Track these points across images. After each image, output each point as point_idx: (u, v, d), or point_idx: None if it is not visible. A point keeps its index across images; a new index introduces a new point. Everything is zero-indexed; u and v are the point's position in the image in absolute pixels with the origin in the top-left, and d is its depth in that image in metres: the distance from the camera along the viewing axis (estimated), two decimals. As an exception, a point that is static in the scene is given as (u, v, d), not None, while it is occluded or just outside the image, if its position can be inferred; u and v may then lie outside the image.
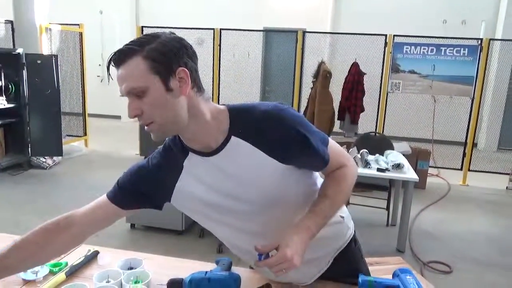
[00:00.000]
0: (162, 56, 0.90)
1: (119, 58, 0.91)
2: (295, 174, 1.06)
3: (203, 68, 7.28)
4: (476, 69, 5.41)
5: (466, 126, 5.68)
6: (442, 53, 5.49)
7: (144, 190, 1.10)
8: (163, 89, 0.91)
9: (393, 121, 6.24)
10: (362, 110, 5.70)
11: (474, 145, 6.45)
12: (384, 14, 7.71)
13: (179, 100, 0.93)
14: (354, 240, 1.30)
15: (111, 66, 0.92)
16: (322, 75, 5.42)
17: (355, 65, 5.65)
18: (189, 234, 3.56)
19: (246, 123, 1.00)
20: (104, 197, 1.13)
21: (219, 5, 8.34)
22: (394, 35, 5.60)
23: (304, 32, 6.13)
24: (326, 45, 8.08)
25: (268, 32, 8.37)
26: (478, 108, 5.55)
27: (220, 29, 6.07)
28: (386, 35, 5.65)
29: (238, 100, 8.00)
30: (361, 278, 1.28)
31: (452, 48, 5.48)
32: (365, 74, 5.64)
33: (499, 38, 7.33)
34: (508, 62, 7.52)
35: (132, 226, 3.65)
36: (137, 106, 0.92)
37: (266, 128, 0.99)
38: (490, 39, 5.55)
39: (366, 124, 5.91)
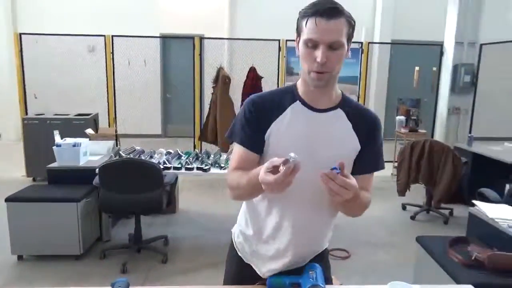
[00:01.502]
0: (351, 26, 1.17)
1: (335, 12, 1.11)
2: (353, 159, 1.28)
3: (96, 76, 6.93)
4: (359, 70, 5.99)
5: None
6: (330, 56, 5.95)
7: (261, 122, 1.24)
8: (346, 48, 1.17)
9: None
10: (262, 112, 5.89)
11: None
12: (277, 19, 8.09)
13: (343, 61, 1.19)
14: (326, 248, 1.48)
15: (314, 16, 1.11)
16: (222, 81, 5.50)
17: (252, 70, 5.82)
18: (89, 257, 3.30)
19: (353, 106, 1.29)
20: (241, 150, 1.26)
21: (111, 10, 7.92)
22: (286, 40, 5.91)
23: (202, 38, 6.14)
24: (224, 51, 8.21)
25: (165, 38, 8.21)
26: (364, 104, 6.13)
27: (112, 36, 5.77)
28: (279, 40, 5.94)
29: (137, 109, 7.71)
30: (269, 279, 1.33)
31: (337, 51, 5.97)
32: (262, 78, 5.85)
33: (377, 41, 8.21)
34: (386, 63, 8.47)
35: (20, 257, 3.23)
36: (328, 55, 1.12)
37: (366, 118, 1.29)
38: (369, 43, 6.19)
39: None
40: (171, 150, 3.95)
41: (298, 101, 1.25)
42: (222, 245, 3.52)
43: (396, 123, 6.08)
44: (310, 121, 1.24)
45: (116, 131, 5.46)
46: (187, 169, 3.50)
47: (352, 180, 1.08)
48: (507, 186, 4.18)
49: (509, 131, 6.74)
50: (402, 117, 6.02)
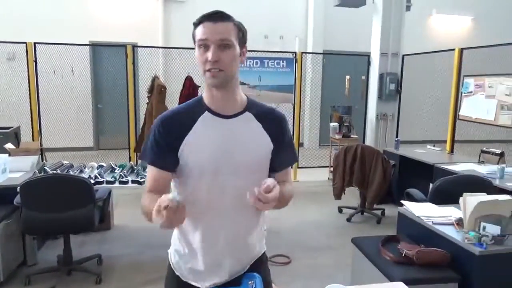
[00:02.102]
0: (241, 31, 1.27)
1: (220, 16, 1.21)
2: (269, 158, 1.34)
3: (17, 86, 6.41)
4: (294, 79, 6.16)
5: (292, 128, 6.38)
6: (266, 65, 6.07)
7: (171, 140, 1.26)
8: (238, 51, 1.24)
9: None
10: (200, 122, 5.83)
11: (300, 144, 7.33)
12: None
13: (238, 64, 1.26)
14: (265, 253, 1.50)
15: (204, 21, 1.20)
16: (157, 90, 5.35)
17: (189, 79, 5.74)
18: (11, 285, 3.00)
19: (260, 108, 1.35)
20: (154, 170, 1.28)
21: (36, 17, 7.37)
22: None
23: (134, 46, 5.94)
24: (159, 60, 8.02)
25: (95, 47, 7.83)
26: (299, 112, 6.32)
27: (34, 43, 5.37)
28: (215, 49, 5.92)
29: (65, 121, 7.25)
30: None
31: (273, 61, 6.11)
32: (199, 87, 5.79)
33: (310, 51, 8.53)
34: (319, 72, 8.83)
35: None
36: (218, 55, 1.19)
37: (272, 117, 1.36)
38: (302, 52, 6.40)
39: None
40: (103, 164, 3.74)
41: (206, 111, 1.29)
42: (162, 261, 3.38)
43: (330, 130, 6.33)
44: (222, 128, 1.28)
45: (41, 145, 5.06)
46: (121, 182, 3.33)
47: (272, 192, 1.13)
48: (431, 186, 4.52)
49: (430, 135, 7.32)
50: (336, 124, 6.29)
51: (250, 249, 1.38)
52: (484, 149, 4.31)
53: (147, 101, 5.53)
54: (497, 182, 3.39)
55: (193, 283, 1.36)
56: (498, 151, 4.14)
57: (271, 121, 1.34)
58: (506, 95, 4.28)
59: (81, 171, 3.56)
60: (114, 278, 3.15)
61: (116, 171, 3.60)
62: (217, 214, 1.29)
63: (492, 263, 2.09)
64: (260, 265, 1.41)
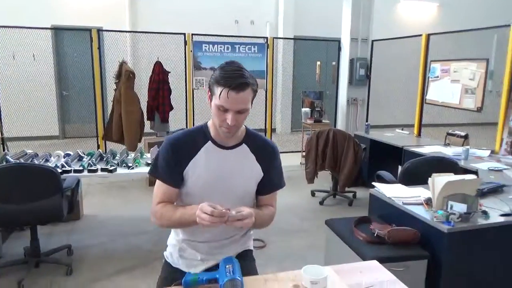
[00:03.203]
0: (255, 92, 1.42)
1: (243, 85, 1.34)
2: (257, 185, 1.56)
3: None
4: (265, 64, 6.13)
5: (264, 114, 6.37)
6: (237, 51, 5.99)
7: (179, 160, 1.47)
8: (250, 107, 1.42)
9: (202, 116, 6.46)
10: (171, 108, 5.72)
11: (273, 130, 7.34)
12: (182, 13, 7.90)
13: None
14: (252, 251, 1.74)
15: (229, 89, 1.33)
16: (125, 76, 5.18)
17: (158, 64, 5.60)
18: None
19: (255, 140, 1.55)
20: (164, 186, 1.49)
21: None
22: (192, 34, 5.79)
23: (99, 30, 5.71)
24: (127, 45, 7.77)
25: (58, 31, 7.48)
26: (272, 98, 6.31)
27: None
28: (185, 34, 5.79)
29: (28, 108, 6.92)
30: (186, 275, 1.29)
31: (244, 46, 6.04)
32: (169, 72, 5.66)
33: (281, 36, 8.50)
34: (290, 58, 8.83)
35: None
36: (236, 118, 1.37)
37: (265, 149, 1.56)
38: (274, 38, 6.36)
39: (176, 121, 5.97)
40: (70, 152, 3.60)
41: (210, 141, 1.49)
42: (134, 250, 3.38)
43: (302, 115, 6.38)
44: (221, 158, 1.49)
45: (2, 134, 4.82)
46: (90, 171, 3.23)
47: (246, 218, 1.33)
48: (400, 168, 4.65)
49: (399, 119, 7.51)
50: (307, 109, 6.33)
51: (233, 247, 1.60)
52: (450, 131, 4.47)
53: (115, 87, 5.36)
54: (462, 163, 3.52)
55: (183, 269, 1.57)
56: (463, 134, 4.30)
57: (264, 153, 1.55)
58: (470, 79, 4.43)
59: (47, 160, 3.41)
60: (85, 268, 3.07)
61: (84, 159, 3.48)
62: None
63: (459, 240, 2.17)
64: (245, 257, 1.57)
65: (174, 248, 1.61)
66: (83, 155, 3.58)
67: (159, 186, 1.51)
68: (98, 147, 5.64)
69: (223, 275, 1.23)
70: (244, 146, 1.52)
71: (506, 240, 2.30)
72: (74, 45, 7.61)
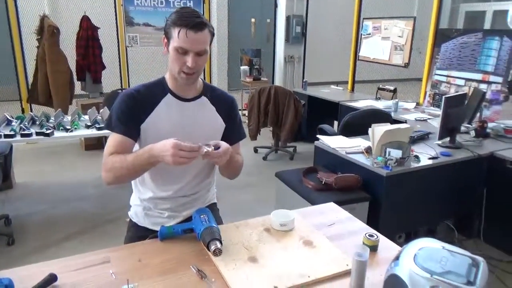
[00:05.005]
0: (213, 35, 1.40)
1: (200, 25, 1.32)
2: (221, 136, 1.55)
3: None
4: (202, 20, 5.93)
5: (203, 75, 6.25)
6: (172, 5, 5.72)
7: (136, 113, 1.42)
8: (208, 52, 1.40)
9: (137, 75, 6.16)
10: (103, 67, 5.37)
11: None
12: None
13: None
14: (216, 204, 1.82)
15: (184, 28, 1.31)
16: (48, 31, 4.73)
17: (85, 19, 5.16)
18: None
19: (213, 92, 1.55)
20: (119, 137, 1.41)
21: None
22: (121, -14, 5.39)
23: (12, -22, 5.07)
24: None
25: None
26: (210, 56, 6.18)
27: None
28: (113, -14, 5.37)
29: None
30: (161, 228, 1.31)
31: (179, 1, 5.78)
32: (99, 28, 5.26)
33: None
34: (225, 14, 8.62)
35: None
36: (196, 61, 1.34)
37: (224, 100, 1.57)
38: (208, -8, 6.14)
39: (109, 81, 5.64)
40: (-4, 116, 3.29)
41: (169, 94, 1.46)
42: (79, 214, 3.28)
43: (241, 73, 6.37)
44: (181, 110, 1.47)
45: None
46: (23, 135, 2.99)
47: (223, 148, 1.32)
48: (335, 122, 4.93)
49: (333, 76, 7.82)
50: (246, 67, 6.33)
51: (199, 202, 1.62)
52: (380, 86, 4.79)
53: (37, 44, 4.88)
54: (392, 115, 3.83)
55: (149, 226, 1.57)
56: (392, 88, 4.64)
57: (223, 104, 1.55)
58: (399, 36, 4.74)
59: (-30, 126, 3.09)
60: (30, 237, 2.92)
61: (13, 123, 3.21)
62: (172, 177, 1.51)
63: (396, 182, 2.43)
64: (211, 209, 1.53)
65: (138, 207, 1.59)
66: (11, 119, 3.29)
67: (113, 138, 1.42)
68: (23, 110, 5.18)
69: (199, 224, 1.28)
70: (203, 98, 1.51)
71: (433, 179, 2.62)
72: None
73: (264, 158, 4.79)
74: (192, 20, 1.30)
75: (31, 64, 5.09)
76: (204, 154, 1.26)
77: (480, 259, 0.95)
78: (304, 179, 2.64)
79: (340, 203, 2.36)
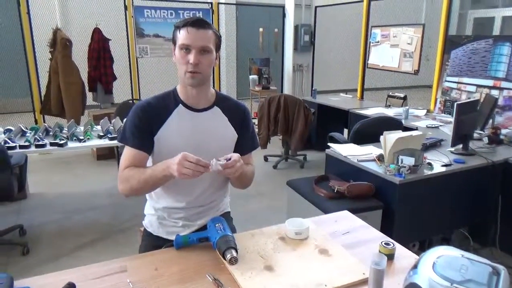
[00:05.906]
0: (218, 38, 1.43)
1: (202, 24, 1.36)
2: (233, 146, 1.55)
3: None
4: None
5: (212, 82, 6.30)
6: (181, 17, 5.79)
7: (149, 125, 1.44)
8: (214, 55, 1.41)
9: (148, 86, 6.24)
10: (114, 78, 5.46)
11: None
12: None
13: (212, 67, 1.44)
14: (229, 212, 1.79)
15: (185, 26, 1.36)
16: (61, 44, 4.82)
17: (97, 31, 5.26)
18: None
19: (226, 102, 1.55)
20: (133, 150, 1.43)
21: None
22: (132, -2, 5.48)
23: (26, -7, 5.19)
24: (55, 10, 7.16)
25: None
26: (219, 65, 6.24)
27: None
28: (124, -2, 5.47)
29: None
30: (177, 237, 1.33)
31: (189, 12, 5.86)
32: (110, 40, 5.36)
33: (223, 2, 8.30)
34: (233, 24, 8.70)
35: None
36: (199, 58, 1.35)
37: (237, 110, 1.56)
38: (218, 3, 6.22)
39: (121, 91, 5.72)
40: (11, 127, 3.35)
41: (180, 105, 1.47)
42: (92, 224, 3.30)
43: (250, 82, 6.41)
44: (193, 120, 1.47)
45: None
46: (38, 146, 3.04)
47: (235, 161, 1.30)
48: (345, 130, 4.91)
49: (342, 84, 7.82)
50: (255, 76, 6.37)
51: (213, 211, 1.62)
52: (390, 94, 4.78)
53: (50, 57, 4.98)
54: (403, 122, 3.81)
55: (164, 236, 1.57)
56: (402, 95, 4.62)
57: (236, 114, 1.55)
58: (408, 43, 4.73)
59: (-14, 137, 3.15)
60: (43, 247, 2.95)
61: (27, 134, 3.26)
62: (186, 188, 1.51)
63: (409, 189, 2.41)
64: (226, 218, 1.55)
65: (153, 217, 1.60)
66: (26, 130, 3.35)
67: (128, 152, 1.44)
68: (36, 121, 5.27)
69: (215, 233, 1.28)
70: (216, 108, 1.51)
71: (447, 187, 2.59)
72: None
73: (275, 167, 4.79)
74: (193, 19, 1.36)
75: (44, 76, 5.18)
76: (216, 170, 1.27)
77: (500, 267, 0.94)
78: (316, 187, 2.63)
79: (352, 211, 2.35)
